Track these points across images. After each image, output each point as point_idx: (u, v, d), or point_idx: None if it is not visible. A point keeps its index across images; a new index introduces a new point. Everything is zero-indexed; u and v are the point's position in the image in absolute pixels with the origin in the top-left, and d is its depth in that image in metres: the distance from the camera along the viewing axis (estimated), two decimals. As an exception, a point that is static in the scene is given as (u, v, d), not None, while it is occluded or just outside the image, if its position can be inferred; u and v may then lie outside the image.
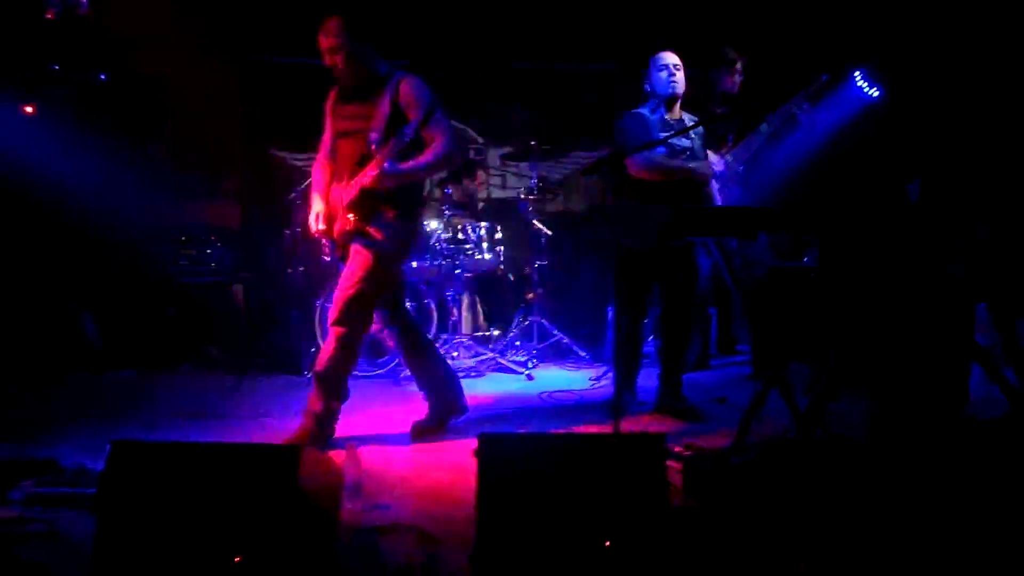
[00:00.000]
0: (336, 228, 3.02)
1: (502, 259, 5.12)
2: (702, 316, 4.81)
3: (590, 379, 4.48)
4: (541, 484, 1.84)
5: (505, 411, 3.71)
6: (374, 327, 3.14)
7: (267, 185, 5.91)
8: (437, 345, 5.00)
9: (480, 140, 6.51)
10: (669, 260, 3.46)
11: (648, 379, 4.10)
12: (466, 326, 5.14)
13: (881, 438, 2.58)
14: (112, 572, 1.71)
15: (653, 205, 3.28)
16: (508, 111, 6.48)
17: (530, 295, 5.29)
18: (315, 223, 3.06)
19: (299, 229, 4.78)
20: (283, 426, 3.20)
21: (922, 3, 4.10)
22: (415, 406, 3.87)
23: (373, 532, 2.14)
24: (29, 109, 4.95)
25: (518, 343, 5.15)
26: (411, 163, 2.91)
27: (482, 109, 6.47)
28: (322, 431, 2.98)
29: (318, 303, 4.67)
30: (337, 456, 2.29)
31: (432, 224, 4.93)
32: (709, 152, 3.96)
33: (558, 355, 5.23)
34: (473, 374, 4.73)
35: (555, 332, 5.17)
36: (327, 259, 3.17)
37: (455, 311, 4.96)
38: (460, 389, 3.33)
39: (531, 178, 5.26)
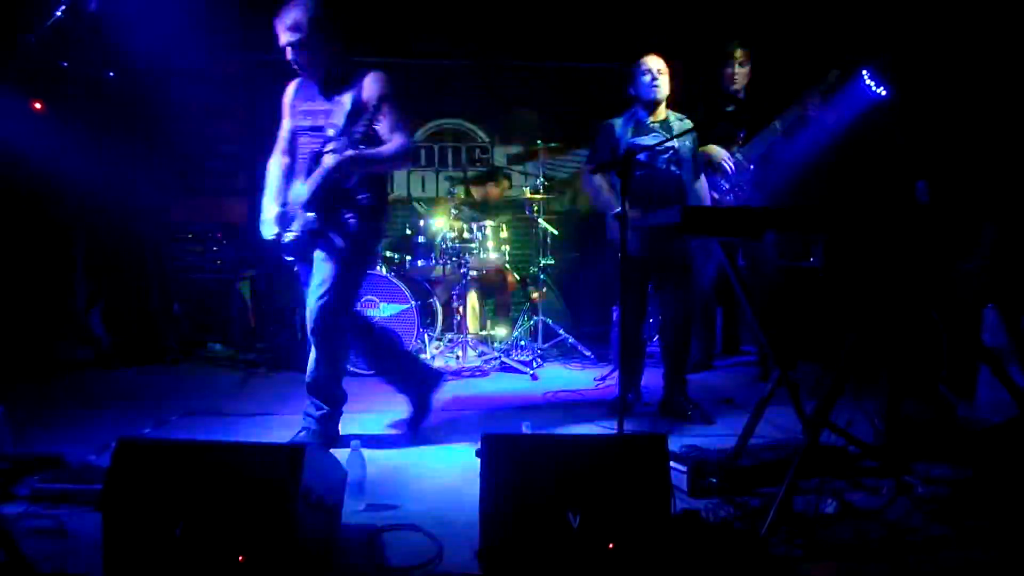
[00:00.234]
0: (296, 227, 2.89)
1: (507, 258, 5.12)
2: (707, 316, 4.80)
3: (595, 379, 4.47)
4: (545, 485, 1.84)
5: (509, 411, 3.71)
6: None
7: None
8: (442, 344, 5.02)
9: (486, 139, 6.52)
10: (662, 261, 3.47)
11: (656, 380, 4.10)
12: (471, 325, 5.14)
13: (889, 439, 2.57)
14: (122, 570, 1.72)
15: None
16: (514, 110, 6.48)
17: (535, 294, 5.29)
18: (264, 229, 2.94)
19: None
20: (288, 424, 3.20)
21: (930, 2, 4.07)
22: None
23: (377, 532, 2.14)
24: (38, 106, 4.97)
25: (523, 343, 5.15)
26: (371, 151, 2.79)
27: (488, 108, 6.48)
28: (325, 431, 2.99)
29: (323, 301, 4.69)
30: (340, 455, 2.29)
31: (438, 223, 4.93)
32: (717, 148, 3.95)
33: (563, 355, 5.23)
34: (478, 373, 4.73)
35: (560, 332, 5.17)
36: (288, 259, 3.03)
37: (460, 310, 4.96)
38: (422, 362, 3.32)
39: (537, 177, 5.26)
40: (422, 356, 4.78)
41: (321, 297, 2.85)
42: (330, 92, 2.92)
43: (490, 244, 4.89)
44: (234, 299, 5.63)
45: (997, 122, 3.79)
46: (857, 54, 3.82)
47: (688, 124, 3.56)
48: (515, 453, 1.90)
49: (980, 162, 3.78)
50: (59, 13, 2.15)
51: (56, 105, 4.89)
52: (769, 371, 4.06)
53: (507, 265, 5.30)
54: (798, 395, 2.44)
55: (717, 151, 3.94)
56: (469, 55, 6.27)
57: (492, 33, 6.04)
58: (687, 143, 3.49)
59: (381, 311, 4.70)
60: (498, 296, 5.69)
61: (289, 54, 2.86)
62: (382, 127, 2.85)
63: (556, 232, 5.32)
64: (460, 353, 4.95)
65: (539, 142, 5.19)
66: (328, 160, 2.74)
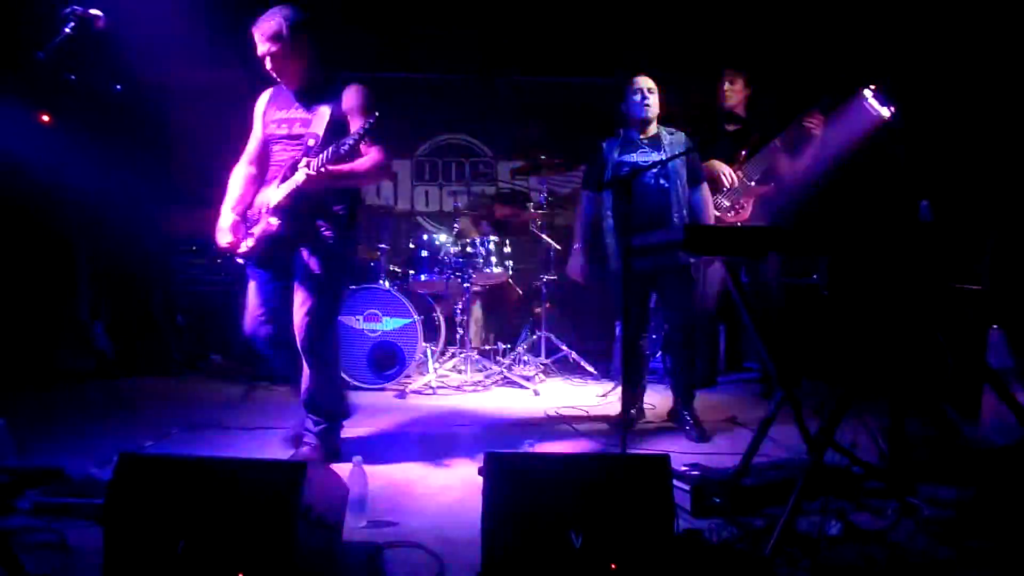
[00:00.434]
0: (259, 231, 2.88)
1: (511, 273, 5.13)
2: (711, 333, 4.80)
3: (597, 395, 4.46)
4: (547, 504, 1.83)
5: (511, 427, 3.70)
6: None
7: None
8: (444, 358, 5.02)
9: (490, 154, 6.55)
10: (663, 274, 3.48)
11: (659, 396, 4.09)
12: (474, 340, 5.14)
13: (893, 460, 2.55)
14: (118, 585, 1.72)
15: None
16: (517, 125, 6.51)
17: (538, 309, 5.29)
18: (220, 236, 2.92)
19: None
20: (290, 437, 3.20)
21: (934, 22, 4.09)
22: (421, 419, 3.88)
23: (378, 549, 2.13)
24: (45, 118, 5.01)
25: (525, 358, 5.14)
26: (348, 166, 2.75)
27: (492, 123, 6.51)
28: (326, 446, 2.98)
29: (326, 315, 4.69)
30: (342, 471, 2.28)
31: (441, 237, 4.95)
32: (719, 164, 3.97)
33: (565, 370, 5.22)
34: (480, 388, 4.72)
35: (563, 347, 5.16)
36: (240, 261, 3.02)
37: (463, 325, 4.96)
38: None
39: (540, 192, 5.28)
40: (424, 371, 4.78)
41: (308, 313, 2.84)
42: (307, 101, 2.91)
43: (494, 259, 4.90)
44: (238, 311, 5.64)
45: (1001, 141, 3.81)
46: (859, 74, 3.84)
47: (680, 137, 3.59)
48: (518, 472, 1.89)
49: (984, 181, 3.79)
50: (68, 31, 2.17)
51: (63, 117, 4.92)
52: (772, 389, 4.04)
53: (511, 280, 5.31)
54: (802, 414, 2.43)
55: (720, 167, 3.96)
56: (473, 70, 6.31)
57: (496, 48, 6.08)
58: (681, 160, 3.50)
59: (384, 325, 4.71)
60: (501, 311, 5.69)
61: (268, 63, 2.84)
62: (363, 142, 2.85)
63: (559, 247, 5.33)
64: (463, 367, 4.95)
65: (543, 157, 5.21)
66: (300, 176, 2.71)
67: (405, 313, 4.70)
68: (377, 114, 2.66)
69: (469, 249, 4.83)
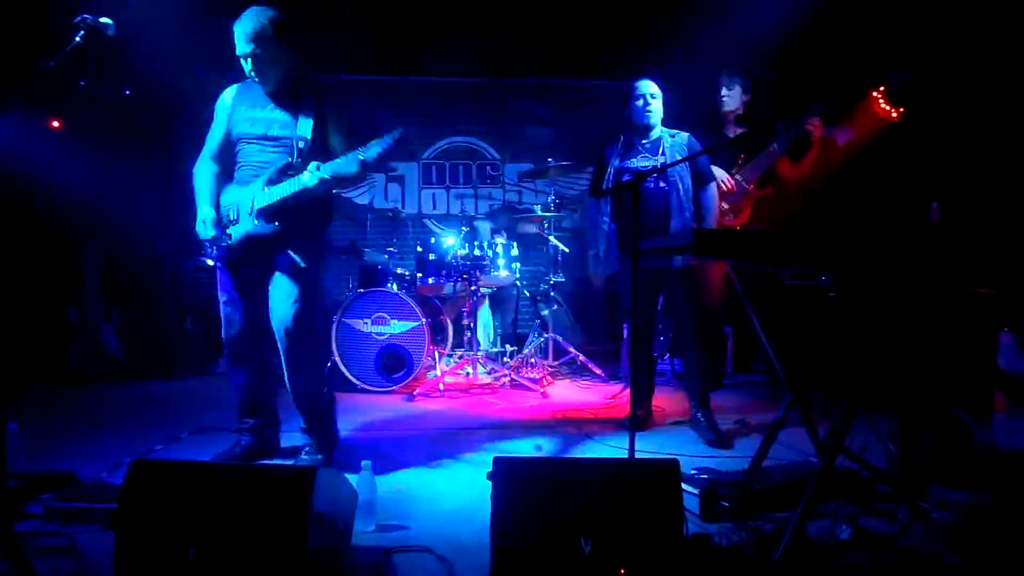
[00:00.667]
0: (239, 232, 2.90)
1: (518, 275, 5.13)
2: (716, 334, 4.78)
3: (605, 397, 4.46)
4: (557, 509, 1.83)
5: (519, 429, 3.70)
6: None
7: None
8: (452, 361, 5.02)
9: (497, 157, 6.55)
10: (669, 275, 3.47)
11: (667, 398, 4.08)
12: (482, 342, 5.14)
13: (904, 464, 2.54)
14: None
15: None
16: (525, 128, 6.52)
17: (545, 312, 5.29)
18: (204, 229, 2.91)
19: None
20: (296, 440, 3.20)
21: (943, 23, 4.07)
22: (429, 422, 3.88)
23: (387, 554, 2.13)
24: (56, 124, 5.05)
25: (533, 360, 5.14)
26: (346, 170, 2.75)
27: (499, 126, 6.52)
28: (324, 441, 3.01)
29: (334, 318, 4.71)
30: (351, 476, 2.29)
31: (449, 240, 4.95)
32: (716, 168, 3.96)
33: (573, 372, 5.22)
34: (488, 391, 4.73)
35: (570, 349, 5.16)
36: (211, 262, 3.02)
37: (470, 327, 4.96)
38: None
39: (548, 195, 5.29)
40: (432, 372, 4.79)
41: (295, 303, 2.85)
42: (286, 103, 2.90)
43: (501, 261, 4.90)
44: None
45: (1013, 141, 3.78)
46: (859, 76, 3.83)
47: (683, 138, 3.57)
48: (527, 476, 1.90)
49: (995, 182, 3.77)
50: (78, 39, 2.19)
51: (73, 123, 4.96)
52: (783, 392, 4.03)
53: (518, 282, 5.31)
54: (812, 418, 2.42)
55: (716, 172, 3.95)
56: (481, 73, 6.32)
57: (504, 51, 6.08)
58: (677, 156, 3.48)
59: (392, 328, 4.72)
60: (508, 313, 5.70)
61: (249, 64, 2.82)
62: (339, 143, 2.90)
63: (567, 249, 5.33)
64: (470, 370, 4.95)
65: (550, 160, 5.21)
66: (311, 180, 2.74)
67: (413, 316, 4.70)
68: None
69: (476, 252, 4.84)
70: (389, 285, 4.84)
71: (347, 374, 4.69)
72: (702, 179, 3.58)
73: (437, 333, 4.94)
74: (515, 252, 5.04)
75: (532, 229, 5.45)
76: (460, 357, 5.05)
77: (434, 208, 6.52)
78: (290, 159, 2.85)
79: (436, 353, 4.85)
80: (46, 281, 5.09)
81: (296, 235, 2.89)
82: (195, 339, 5.62)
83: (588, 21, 5.76)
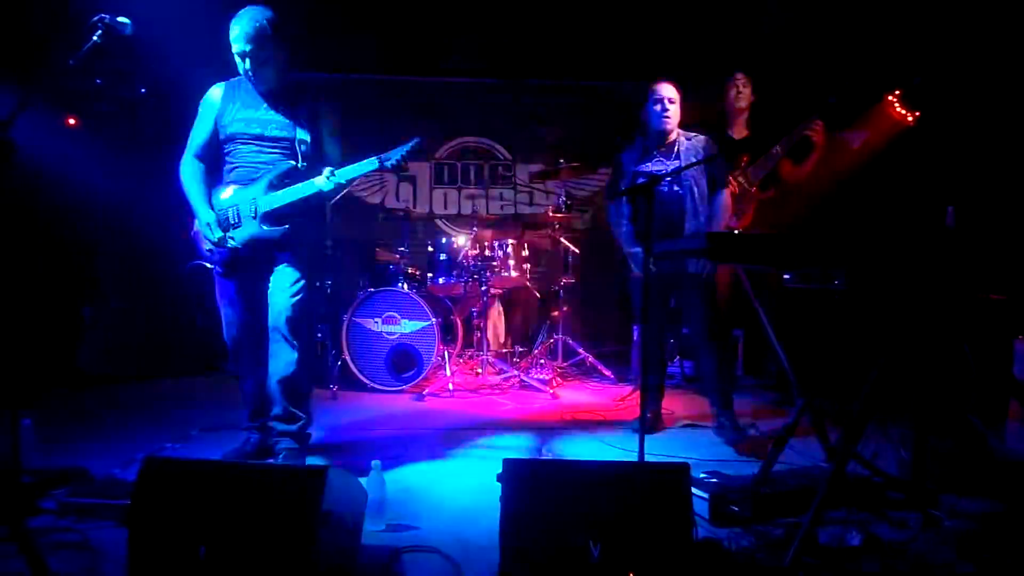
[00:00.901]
0: (243, 236, 2.90)
1: (529, 276, 5.13)
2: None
3: (615, 399, 4.45)
4: (565, 512, 1.83)
5: (528, 431, 3.70)
6: None
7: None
8: (462, 361, 5.03)
9: (509, 157, 6.55)
10: (682, 279, 3.46)
11: (674, 400, 4.07)
12: (492, 343, 5.14)
13: (916, 470, 2.52)
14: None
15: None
16: (537, 128, 6.51)
17: (555, 312, 5.29)
18: (211, 232, 2.89)
19: (329, 243, 4.84)
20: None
21: (957, 27, 4.04)
22: (439, 422, 3.89)
23: (396, 553, 2.14)
24: (72, 122, 5.09)
25: (543, 361, 5.14)
26: (351, 174, 2.85)
27: (511, 126, 6.52)
28: (303, 441, 3.00)
29: (344, 317, 4.73)
30: (361, 475, 2.30)
31: (459, 240, 4.96)
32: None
33: (583, 374, 5.22)
34: (497, 391, 4.73)
35: (580, 350, 5.15)
36: (209, 265, 3.06)
37: (480, 327, 4.97)
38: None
39: (559, 196, 5.28)
40: (442, 374, 4.80)
41: (295, 294, 2.89)
42: (281, 104, 2.92)
43: (511, 262, 4.90)
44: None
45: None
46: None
47: (699, 141, 3.56)
48: (536, 479, 1.90)
49: (1011, 188, 3.73)
50: (96, 38, 2.20)
51: (89, 122, 5.00)
52: (792, 397, 4.01)
53: (528, 283, 5.31)
54: (823, 423, 2.41)
55: None
56: (493, 73, 6.32)
57: (516, 51, 6.08)
58: (692, 159, 3.46)
59: (403, 328, 4.73)
60: (519, 314, 5.70)
61: (247, 63, 2.82)
62: (332, 144, 2.94)
63: (577, 250, 5.33)
64: (480, 370, 4.96)
65: (561, 161, 5.21)
66: (327, 185, 2.80)
67: (423, 316, 4.71)
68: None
69: (487, 252, 4.84)
70: (400, 285, 4.85)
71: (357, 373, 4.71)
72: (715, 183, 3.56)
73: (447, 333, 4.94)
74: (525, 253, 5.04)
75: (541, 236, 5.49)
76: (470, 357, 5.05)
77: (445, 208, 6.53)
78: (293, 162, 2.89)
79: (446, 353, 4.86)
80: (58, 278, 5.13)
81: (300, 232, 2.95)
82: (205, 337, 5.65)
83: (600, 22, 5.74)
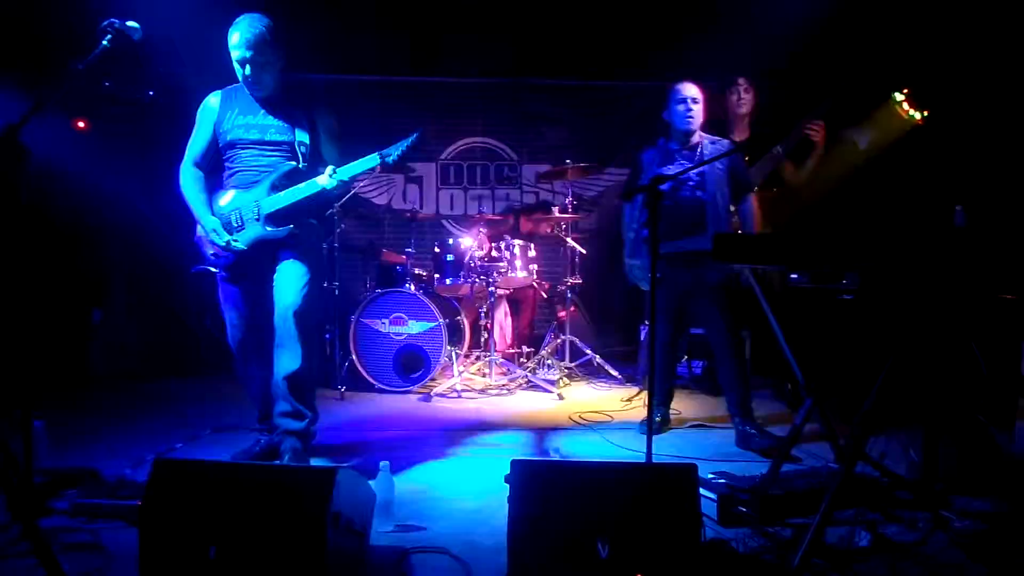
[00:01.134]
0: (248, 238, 2.91)
1: (535, 277, 5.13)
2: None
3: (622, 400, 4.45)
4: (574, 513, 1.84)
5: (535, 431, 3.70)
6: None
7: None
8: (469, 361, 5.04)
9: (515, 158, 6.56)
10: (696, 283, 3.44)
11: (686, 401, 4.07)
12: (498, 343, 5.15)
13: (925, 471, 2.51)
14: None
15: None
16: (543, 129, 6.51)
17: (562, 313, 5.29)
18: (219, 237, 2.90)
19: (335, 244, 4.85)
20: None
21: (963, 28, 4.02)
22: (446, 422, 3.89)
23: (404, 554, 2.15)
24: (81, 125, 5.13)
25: (550, 361, 5.14)
26: (354, 173, 2.86)
27: (517, 127, 6.52)
28: (307, 442, 3.01)
29: (352, 318, 4.74)
30: (370, 476, 2.31)
31: (466, 242, 4.97)
32: None
33: (590, 374, 5.22)
34: (504, 392, 4.74)
35: (587, 351, 5.15)
36: (213, 269, 3.05)
37: (487, 328, 4.97)
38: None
39: (566, 196, 5.28)
40: (449, 374, 4.81)
41: (304, 287, 2.90)
42: (279, 108, 2.95)
43: (518, 263, 4.91)
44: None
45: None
46: (891, 79, 3.79)
47: (723, 146, 3.53)
48: (544, 479, 1.90)
49: (1020, 186, 3.71)
50: (105, 43, 2.22)
51: (98, 125, 5.03)
52: (800, 398, 4.00)
53: (535, 284, 5.31)
54: (832, 424, 2.40)
55: None
56: (499, 73, 6.32)
57: (522, 51, 6.08)
58: (718, 166, 3.43)
59: (410, 328, 4.74)
60: (526, 314, 5.70)
61: (247, 69, 2.84)
62: (329, 144, 2.95)
63: (584, 251, 5.33)
64: (487, 371, 4.96)
65: (568, 161, 5.21)
66: (331, 182, 2.82)
67: (430, 316, 4.73)
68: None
69: (494, 253, 4.85)
70: (407, 285, 4.86)
71: (365, 374, 4.72)
72: (742, 189, 3.52)
73: (454, 334, 4.95)
74: (532, 253, 5.05)
75: (545, 226, 5.48)
76: (477, 358, 5.06)
77: (451, 208, 6.54)
78: (295, 163, 2.92)
79: (453, 354, 4.87)
80: (68, 280, 5.16)
81: (305, 232, 2.98)
82: (214, 338, 5.67)
83: (607, 22, 5.74)
